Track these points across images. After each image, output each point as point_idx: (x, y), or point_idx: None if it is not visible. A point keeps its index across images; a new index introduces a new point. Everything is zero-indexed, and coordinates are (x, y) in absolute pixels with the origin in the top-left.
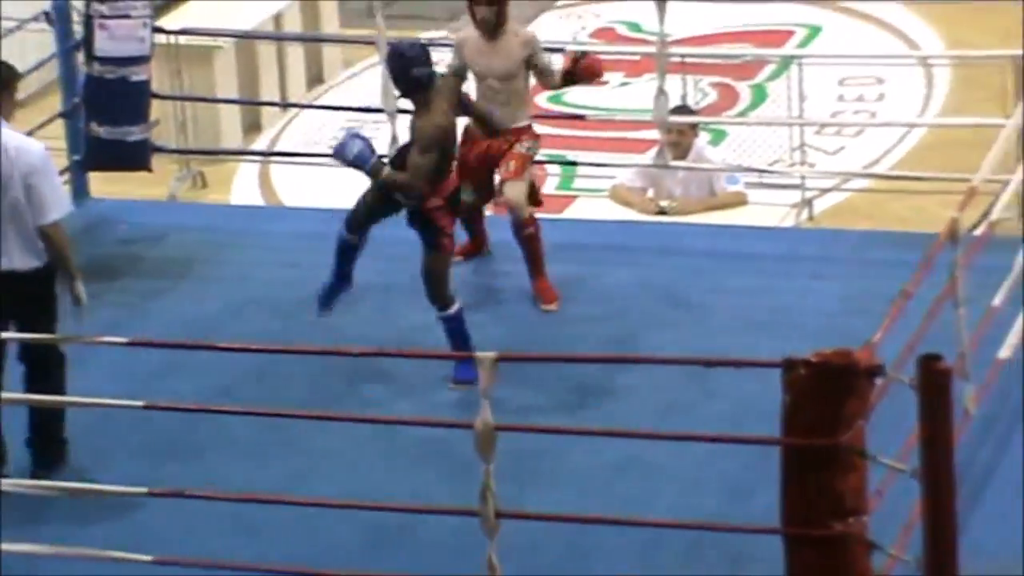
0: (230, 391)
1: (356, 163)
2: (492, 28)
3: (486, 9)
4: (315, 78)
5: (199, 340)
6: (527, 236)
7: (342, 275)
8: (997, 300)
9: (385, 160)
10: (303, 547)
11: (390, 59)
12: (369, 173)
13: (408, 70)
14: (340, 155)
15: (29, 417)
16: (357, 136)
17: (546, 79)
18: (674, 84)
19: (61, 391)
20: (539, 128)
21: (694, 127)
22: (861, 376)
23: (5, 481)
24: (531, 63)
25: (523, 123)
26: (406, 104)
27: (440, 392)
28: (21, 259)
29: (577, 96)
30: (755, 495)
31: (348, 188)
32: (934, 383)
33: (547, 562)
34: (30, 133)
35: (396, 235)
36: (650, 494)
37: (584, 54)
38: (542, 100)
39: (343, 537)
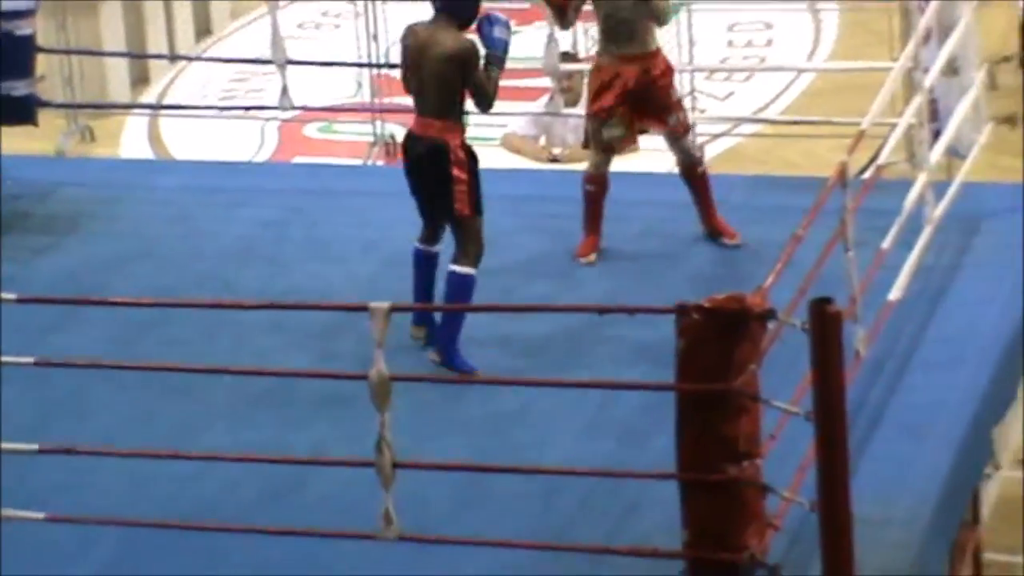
0: (122, 346)
1: (497, 45)
2: None
3: None
4: (203, 30)
5: (90, 295)
6: (702, 174)
7: (421, 291)
8: (886, 243)
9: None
10: (197, 502)
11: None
12: (500, 57)
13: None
14: (498, 29)
15: None
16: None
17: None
18: (564, 31)
19: None
20: None
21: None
22: (753, 321)
23: None
24: None
25: (652, 48)
26: (295, 55)
27: (334, 343)
28: None
29: None
30: (651, 440)
31: (237, 140)
32: (825, 326)
33: (443, 512)
34: None
35: (291, 185)
36: (546, 441)
37: None
38: None
39: (238, 491)
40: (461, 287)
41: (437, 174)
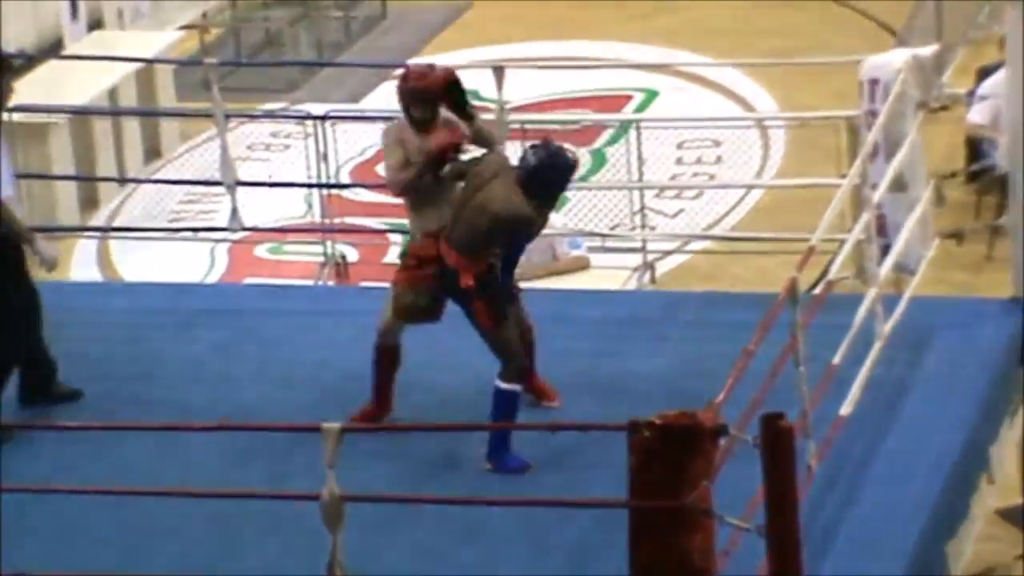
0: (70, 469)
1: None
2: (427, 125)
3: (421, 109)
4: (152, 152)
5: (40, 418)
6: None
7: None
8: (837, 358)
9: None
10: None
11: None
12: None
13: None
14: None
15: None
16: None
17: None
18: (514, 151)
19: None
20: (378, 196)
21: None
22: (706, 437)
23: None
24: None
25: None
26: (245, 176)
27: (286, 463)
28: None
29: None
30: (602, 558)
31: (188, 262)
32: (777, 441)
33: None
34: None
35: (241, 306)
36: (496, 560)
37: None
38: (382, 168)
39: None
40: (504, 402)
41: (460, 294)
